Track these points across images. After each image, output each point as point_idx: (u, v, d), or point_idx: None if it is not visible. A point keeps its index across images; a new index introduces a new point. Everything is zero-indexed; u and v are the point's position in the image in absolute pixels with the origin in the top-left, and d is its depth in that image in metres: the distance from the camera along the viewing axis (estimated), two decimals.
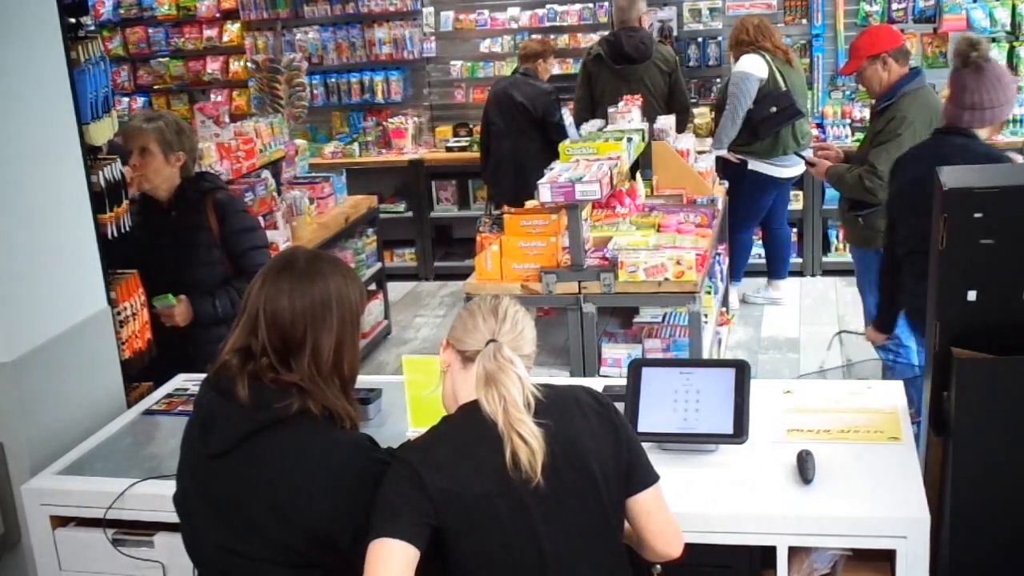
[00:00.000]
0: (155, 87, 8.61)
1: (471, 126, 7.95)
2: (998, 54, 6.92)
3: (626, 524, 2.13)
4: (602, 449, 2.05)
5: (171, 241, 3.79)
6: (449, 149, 7.83)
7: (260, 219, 4.64)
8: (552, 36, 7.71)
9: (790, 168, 6.28)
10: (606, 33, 7.02)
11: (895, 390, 3.00)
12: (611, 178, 4.29)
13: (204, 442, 2.11)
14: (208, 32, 8.40)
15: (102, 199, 3.33)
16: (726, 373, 2.68)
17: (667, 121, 5.56)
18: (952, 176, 2.73)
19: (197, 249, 3.77)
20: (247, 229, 3.87)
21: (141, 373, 3.55)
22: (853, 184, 4.38)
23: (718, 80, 7.30)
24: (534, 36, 7.51)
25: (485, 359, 2.01)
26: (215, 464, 2.08)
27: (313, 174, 6.47)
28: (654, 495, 2.12)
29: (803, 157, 4.86)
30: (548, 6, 7.70)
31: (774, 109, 6.07)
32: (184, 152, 3.80)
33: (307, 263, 2.14)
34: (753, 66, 6.10)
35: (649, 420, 2.65)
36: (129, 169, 3.64)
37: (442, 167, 7.84)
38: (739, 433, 2.60)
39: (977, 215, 2.58)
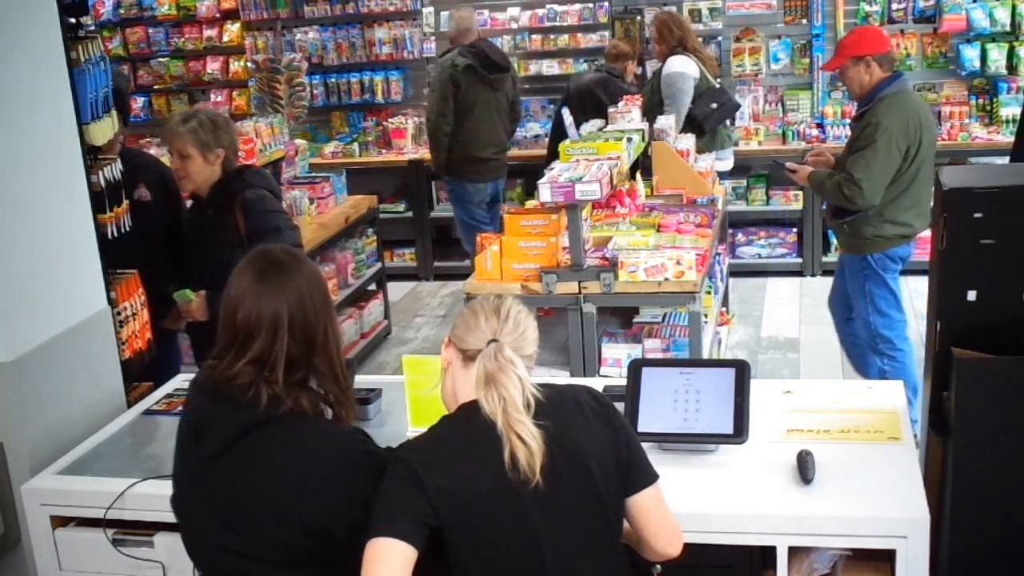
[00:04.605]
0: (155, 87, 8.61)
1: None
2: (998, 54, 6.93)
3: (626, 524, 2.13)
4: (601, 449, 2.04)
5: (202, 239, 3.82)
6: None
7: None
8: (552, 36, 7.71)
9: (726, 161, 6.46)
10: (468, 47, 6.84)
11: (895, 390, 3.00)
12: (611, 178, 4.29)
13: (199, 444, 2.11)
14: (208, 32, 8.40)
15: (102, 199, 3.34)
16: (726, 373, 2.68)
17: (667, 121, 5.56)
18: (952, 176, 2.74)
19: (222, 249, 3.68)
20: (271, 230, 3.75)
21: (141, 373, 3.55)
22: (832, 191, 4.37)
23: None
24: (619, 37, 7.42)
25: (486, 359, 2.01)
26: (211, 465, 2.08)
27: (313, 174, 6.46)
28: (653, 494, 2.12)
29: (783, 165, 4.75)
30: (548, 6, 7.69)
31: (715, 105, 6.23)
32: (223, 147, 3.81)
33: (300, 262, 2.17)
34: (686, 66, 6.23)
35: (649, 420, 2.65)
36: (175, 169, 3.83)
37: None
38: (739, 433, 2.60)
39: (977, 215, 2.58)
